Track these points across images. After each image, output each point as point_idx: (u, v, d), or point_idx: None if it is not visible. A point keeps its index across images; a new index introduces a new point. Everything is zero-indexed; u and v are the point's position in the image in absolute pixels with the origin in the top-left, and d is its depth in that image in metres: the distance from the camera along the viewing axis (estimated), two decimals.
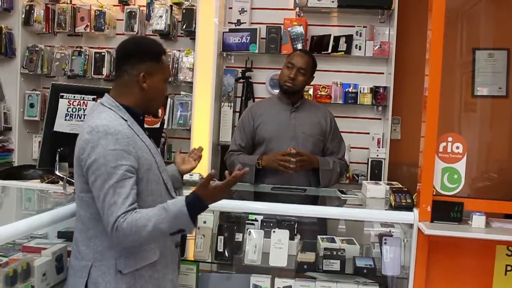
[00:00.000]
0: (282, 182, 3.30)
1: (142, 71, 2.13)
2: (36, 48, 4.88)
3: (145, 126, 2.27)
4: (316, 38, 4.60)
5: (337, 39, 4.53)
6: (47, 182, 2.89)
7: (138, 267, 2.09)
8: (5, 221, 2.03)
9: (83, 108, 2.79)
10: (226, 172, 2.09)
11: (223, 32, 4.63)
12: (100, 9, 4.81)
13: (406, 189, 2.79)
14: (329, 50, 4.51)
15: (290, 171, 3.25)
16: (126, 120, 2.11)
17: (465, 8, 4.20)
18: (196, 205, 2.01)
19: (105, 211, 1.97)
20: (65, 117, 2.76)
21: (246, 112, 3.60)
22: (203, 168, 4.32)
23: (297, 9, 4.58)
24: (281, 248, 2.72)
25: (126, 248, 2.05)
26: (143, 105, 2.20)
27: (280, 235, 2.74)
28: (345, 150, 3.57)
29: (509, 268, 2.58)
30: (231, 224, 2.87)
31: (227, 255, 2.80)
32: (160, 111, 3.02)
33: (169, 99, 4.57)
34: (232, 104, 4.69)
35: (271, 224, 2.87)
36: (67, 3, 4.92)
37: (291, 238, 2.81)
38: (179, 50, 4.73)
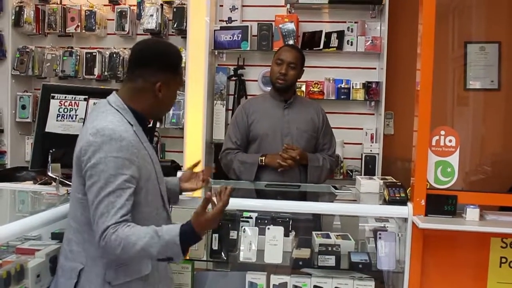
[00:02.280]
0: (277, 179, 3.31)
1: (160, 80, 2.06)
2: (27, 49, 4.87)
3: None
4: (307, 34, 4.60)
5: (328, 35, 4.53)
6: (40, 184, 2.87)
7: (128, 279, 2.03)
8: None
9: (75, 109, 2.77)
10: (208, 193, 2.01)
11: (214, 30, 4.62)
12: (91, 9, 4.80)
13: (400, 183, 2.78)
14: (321, 46, 4.51)
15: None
16: (132, 125, 2.05)
17: (456, 1, 4.20)
18: (189, 237, 1.96)
19: (96, 219, 1.91)
20: (57, 118, 2.75)
21: (239, 109, 3.60)
22: (197, 167, 4.31)
23: (288, 5, 4.58)
24: (276, 245, 2.72)
25: (118, 259, 1.98)
26: (153, 112, 2.16)
27: (275, 232, 2.73)
28: (335, 146, 3.57)
29: (503, 260, 2.59)
30: (226, 222, 2.86)
31: (222, 253, 2.79)
32: None
33: None
34: (225, 102, 4.69)
35: (266, 221, 2.86)
36: (57, 4, 4.91)
37: (286, 234, 2.80)
38: None
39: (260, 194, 3.22)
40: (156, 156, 2.18)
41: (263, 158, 3.35)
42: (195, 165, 2.57)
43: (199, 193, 2.75)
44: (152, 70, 2.06)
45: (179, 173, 3.11)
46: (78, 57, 4.84)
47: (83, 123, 2.26)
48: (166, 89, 2.09)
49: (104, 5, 4.91)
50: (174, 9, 4.67)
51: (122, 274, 2.02)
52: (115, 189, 1.90)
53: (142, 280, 2.07)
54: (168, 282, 2.25)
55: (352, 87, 4.53)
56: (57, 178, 2.66)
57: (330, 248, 2.72)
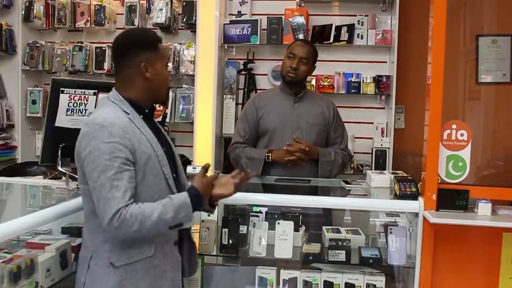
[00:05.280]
0: (288, 174, 3.30)
1: (142, 61, 2.12)
2: (37, 44, 4.88)
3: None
4: (317, 28, 4.58)
5: (338, 28, 4.50)
6: (50, 178, 2.88)
7: (131, 260, 2.07)
8: (10, 218, 2.03)
9: (84, 103, 2.77)
10: (208, 163, 2.27)
11: (224, 24, 4.61)
12: (100, 3, 4.80)
13: (410, 177, 2.76)
14: (331, 40, 4.49)
15: (301, 162, 3.29)
16: (128, 113, 2.11)
17: None
18: (196, 197, 2.11)
19: (101, 205, 1.96)
20: (66, 112, 2.75)
21: (249, 103, 3.59)
22: (207, 161, 4.31)
23: None
24: (286, 239, 2.71)
25: (121, 241, 2.04)
26: (150, 95, 2.19)
27: (285, 227, 2.73)
28: (347, 140, 3.55)
29: None
30: (236, 217, 2.86)
31: (232, 247, 2.79)
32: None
33: (171, 93, 4.56)
34: (235, 96, 4.68)
35: (276, 216, 2.86)
36: None
37: (296, 229, 2.79)
38: (180, 43, 4.72)
39: (270, 189, 3.21)
40: (158, 142, 2.17)
41: (269, 154, 3.34)
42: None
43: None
44: (132, 55, 2.13)
45: (189, 168, 3.12)
46: (88, 52, 4.84)
47: None
48: (152, 67, 2.14)
49: (114, 0, 4.91)
50: (184, 3, 4.66)
51: (125, 256, 2.07)
52: (115, 172, 1.96)
53: (146, 262, 2.11)
54: (177, 265, 2.25)
55: (363, 81, 4.50)
56: (67, 172, 2.67)
57: (340, 243, 2.71)
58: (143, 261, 2.10)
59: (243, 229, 2.83)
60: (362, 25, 4.49)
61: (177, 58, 4.68)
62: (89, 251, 2.10)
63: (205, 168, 2.24)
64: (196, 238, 2.82)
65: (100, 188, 1.96)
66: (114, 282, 2.05)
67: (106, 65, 4.79)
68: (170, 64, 4.63)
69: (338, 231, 2.87)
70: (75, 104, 2.77)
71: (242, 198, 2.81)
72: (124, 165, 1.99)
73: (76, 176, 2.59)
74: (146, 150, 2.09)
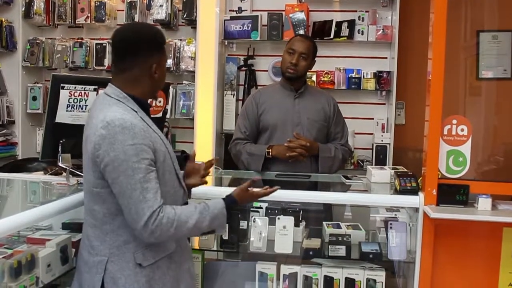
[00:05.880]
0: (288, 169, 3.30)
1: (154, 62, 2.09)
2: (37, 41, 4.88)
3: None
4: (318, 24, 4.58)
5: (339, 24, 4.50)
6: (50, 174, 2.88)
7: (157, 259, 2.07)
8: (10, 213, 2.03)
9: (85, 99, 2.77)
10: (257, 177, 2.41)
11: (224, 20, 4.61)
12: (100, 0, 4.79)
13: (411, 173, 2.76)
14: (332, 36, 4.49)
15: (302, 158, 3.28)
16: (136, 111, 2.07)
17: None
18: (232, 208, 2.19)
19: (132, 207, 1.93)
20: (67, 108, 2.74)
21: (249, 99, 3.58)
22: (207, 157, 4.31)
23: None
24: (286, 235, 2.71)
25: (144, 242, 2.02)
26: (151, 92, 2.18)
27: (285, 222, 2.73)
28: (348, 136, 3.55)
29: None
30: (236, 212, 2.85)
31: (232, 243, 2.79)
32: (162, 100, 3.02)
33: (171, 89, 4.56)
34: (235, 92, 4.68)
35: (276, 211, 2.86)
36: None
37: (296, 224, 2.79)
38: (180, 39, 4.72)
39: (270, 184, 3.20)
40: (166, 138, 2.21)
41: (270, 150, 3.33)
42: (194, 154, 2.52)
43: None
44: (144, 56, 2.08)
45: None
46: (88, 48, 4.85)
47: None
48: (159, 68, 2.13)
49: None
50: None
51: (150, 255, 2.06)
52: (144, 174, 1.95)
53: (168, 258, 2.12)
54: (189, 255, 2.34)
55: (363, 76, 4.50)
56: (68, 168, 2.67)
57: (340, 238, 2.72)
58: (166, 258, 2.11)
59: (243, 224, 2.83)
60: (362, 20, 4.49)
61: (178, 54, 4.68)
62: (104, 255, 2.04)
63: (253, 181, 2.29)
64: None
65: (131, 192, 1.93)
66: (143, 282, 2.04)
67: (107, 62, 4.79)
68: (170, 61, 4.63)
69: (338, 226, 2.87)
70: (75, 100, 2.76)
71: None
72: (151, 166, 1.97)
73: (77, 172, 2.62)
74: (162, 148, 2.08)
